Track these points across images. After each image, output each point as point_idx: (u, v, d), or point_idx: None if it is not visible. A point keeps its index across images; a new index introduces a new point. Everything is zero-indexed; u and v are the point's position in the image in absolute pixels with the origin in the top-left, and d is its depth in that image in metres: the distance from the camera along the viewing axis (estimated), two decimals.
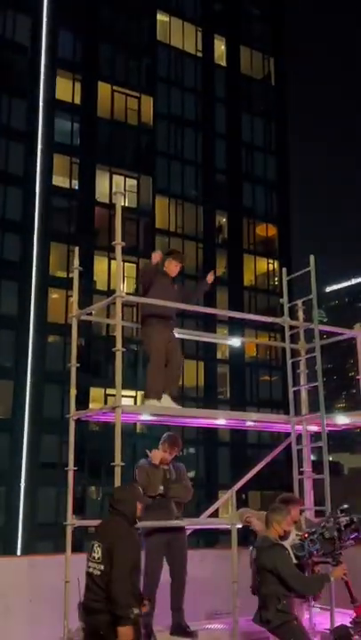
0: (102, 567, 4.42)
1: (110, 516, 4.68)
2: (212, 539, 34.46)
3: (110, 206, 39.25)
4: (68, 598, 5.90)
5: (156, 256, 6.76)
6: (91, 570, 4.49)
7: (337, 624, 5.78)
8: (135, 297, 7.15)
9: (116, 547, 4.41)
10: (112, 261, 38.98)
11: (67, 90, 42.00)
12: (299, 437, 7.49)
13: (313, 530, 5.71)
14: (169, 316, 6.94)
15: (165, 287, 6.98)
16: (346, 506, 5.81)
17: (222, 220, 48.39)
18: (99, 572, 4.42)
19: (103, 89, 43.40)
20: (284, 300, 7.75)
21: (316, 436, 7.69)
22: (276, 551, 5.46)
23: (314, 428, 7.54)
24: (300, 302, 8.03)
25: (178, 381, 7.13)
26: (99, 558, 4.46)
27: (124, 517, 4.63)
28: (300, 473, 7.44)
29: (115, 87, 43.86)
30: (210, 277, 7.37)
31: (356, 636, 5.57)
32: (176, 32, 47.35)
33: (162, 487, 6.29)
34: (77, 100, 42.43)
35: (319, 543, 5.60)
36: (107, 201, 40.26)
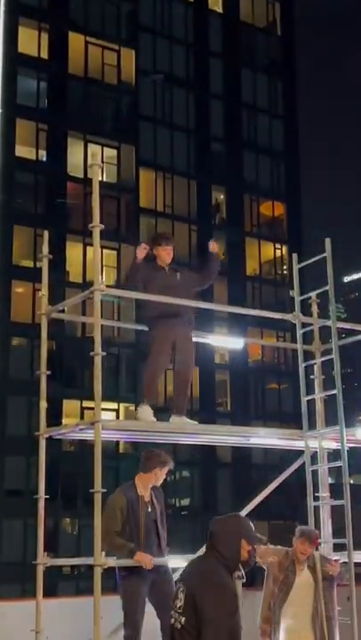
0: (183, 620, 4.04)
1: (207, 553, 4.25)
2: None
3: (85, 181, 39.19)
4: None
5: (141, 251, 6.77)
6: (173, 621, 4.12)
7: None
8: (117, 290, 7.15)
9: (205, 598, 3.99)
10: (88, 247, 38.91)
11: (31, 42, 41.86)
12: (314, 456, 7.52)
13: None
14: (175, 313, 6.98)
15: (164, 280, 7.01)
16: None
17: (220, 197, 48.42)
18: (179, 626, 4.04)
19: (75, 40, 43.30)
20: (295, 292, 7.78)
21: (334, 455, 7.72)
22: None
23: (332, 445, 7.56)
24: (313, 295, 8.06)
25: (183, 391, 7.21)
26: (180, 607, 4.07)
27: (221, 560, 4.15)
28: (316, 499, 7.46)
29: (89, 38, 43.77)
30: (213, 246, 7.37)
31: None
32: None
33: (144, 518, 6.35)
34: (44, 55, 42.32)
35: None
36: (81, 175, 40.19)
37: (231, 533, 4.21)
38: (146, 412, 6.91)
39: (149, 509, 6.43)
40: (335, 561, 6.39)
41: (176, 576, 6.37)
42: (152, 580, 6.30)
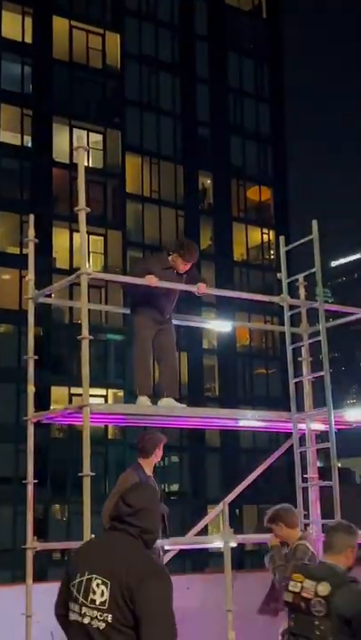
0: (110, 617, 3.26)
1: (115, 534, 3.47)
2: (200, 562, 34.77)
3: (71, 167, 38.95)
4: (29, 636, 5.92)
5: (152, 280, 6.68)
6: (85, 620, 3.31)
7: None
8: (104, 274, 7.14)
9: (150, 587, 3.25)
10: (75, 234, 38.79)
11: (15, 26, 41.52)
12: (302, 438, 7.56)
13: None
14: (162, 310, 7.04)
15: (169, 278, 6.98)
16: None
17: (207, 182, 48.32)
18: (103, 625, 3.26)
19: (59, 25, 42.97)
20: (283, 275, 7.79)
21: (322, 437, 7.76)
22: (357, 592, 4.45)
23: (320, 427, 7.61)
24: (301, 277, 8.07)
25: (173, 382, 7.26)
26: (104, 603, 3.28)
27: (143, 536, 3.46)
28: (304, 480, 7.51)
29: (73, 22, 43.45)
30: (201, 288, 7.16)
31: None
32: None
33: None
34: (28, 39, 41.99)
35: None
36: (66, 160, 39.97)
37: (150, 503, 3.58)
38: (145, 402, 6.98)
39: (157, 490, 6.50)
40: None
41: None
42: None
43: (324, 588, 4.40)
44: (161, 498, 5.19)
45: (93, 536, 5.70)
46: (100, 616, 3.26)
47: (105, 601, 3.26)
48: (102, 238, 41.77)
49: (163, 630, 3.22)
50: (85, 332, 5.93)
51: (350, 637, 4.28)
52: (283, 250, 8.09)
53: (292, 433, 7.52)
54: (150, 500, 3.57)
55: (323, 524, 7.53)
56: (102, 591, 3.28)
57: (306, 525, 6.77)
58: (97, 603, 3.28)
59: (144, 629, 3.18)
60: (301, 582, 4.47)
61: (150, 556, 3.49)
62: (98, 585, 3.30)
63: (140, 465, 6.60)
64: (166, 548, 6.64)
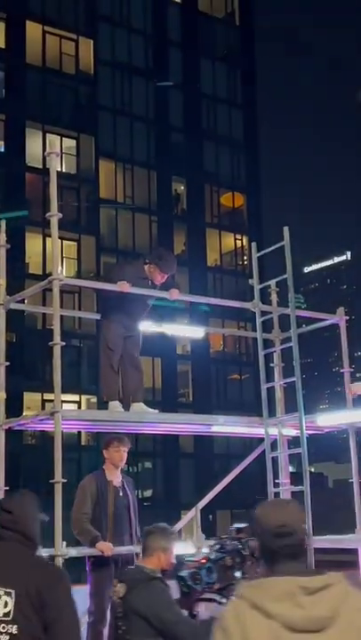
0: (14, 628, 3.14)
1: (2, 543, 3.38)
2: (174, 568, 34.67)
3: (44, 172, 38.82)
4: None
5: (124, 287, 6.64)
6: None
7: None
8: (76, 280, 7.14)
9: (57, 592, 3.20)
10: (48, 239, 38.59)
11: None
12: (274, 443, 7.59)
13: (213, 554, 5.22)
14: (133, 317, 7.02)
15: (141, 284, 6.92)
16: (243, 525, 5.46)
17: (180, 187, 48.39)
18: (7, 638, 3.15)
19: (32, 30, 42.86)
20: (255, 280, 7.83)
21: (295, 442, 7.81)
22: (155, 589, 4.53)
23: (292, 432, 7.64)
24: (273, 283, 8.12)
25: (140, 380, 7.29)
26: (7, 614, 3.15)
27: (27, 544, 3.40)
28: (276, 485, 7.53)
29: (47, 27, 43.37)
30: (174, 294, 7.15)
31: None
32: None
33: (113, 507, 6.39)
34: (1, 44, 41.86)
35: (217, 572, 5.04)
36: (39, 165, 39.81)
37: (32, 509, 3.52)
38: (116, 407, 6.95)
39: (120, 494, 6.48)
40: None
41: None
42: (120, 569, 6.33)
43: (121, 589, 4.50)
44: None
45: (65, 543, 5.69)
46: (4, 628, 3.15)
47: (9, 612, 3.15)
48: (76, 244, 41.66)
49: (74, 631, 3.21)
50: (57, 337, 5.93)
51: (153, 638, 4.35)
52: (255, 256, 8.13)
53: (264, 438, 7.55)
54: (29, 506, 3.51)
55: None
56: (5, 602, 3.16)
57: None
58: (0, 614, 3.16)
59: (58, 632, 3.13)
60: (115, 586, 4.57)
61: (45, 560, 3.56)
62: (0, 596, 3.19)
63: (103, 469, 6.58)
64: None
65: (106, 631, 5.55)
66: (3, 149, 41.18)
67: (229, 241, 49.65)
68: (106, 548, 6.14)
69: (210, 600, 5.07)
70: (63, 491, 5.72)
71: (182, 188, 48.42)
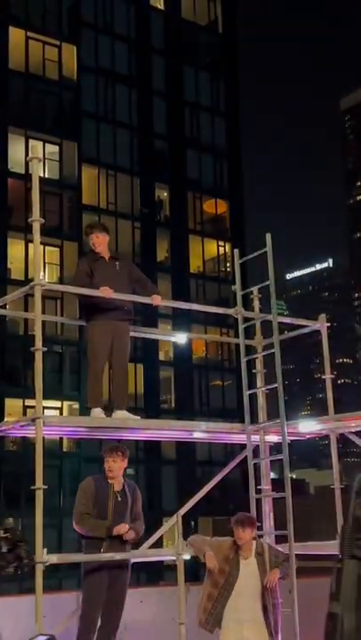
0: None
1: None
2: (154, 576, 34.58)
3: (26, 177, 38.73)
4: None
5: (107, 292, 6.68)
6: None
7: None
8: (58, 285, 7.12)
9: None
10: (30, 245, 38.51)
11: None
12: (256, 450, 7.58)
13: None
14: (114, 307, 6.95)
15: (105, 270, 7.03)
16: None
17: (163, 194, 48.42)
18: None
19: (15, 35, 42.78)
20: (237, 287, 7.83)
21: (277, 448, 7.80)
22: None
23: (273, 439, 7.64)
24: (255, 290, 8.12)
25: (124, 386, 7.25)
26: None
27: None
28: (258, 492, 7.53)
29: (30, 33, 43.29)
30: (156, 300, 7.20)
31: None
32: None
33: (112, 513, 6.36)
34: None
35: None
36: (22, 171, 39.74)
37: None
38: (98, 413, 6.94)
39: (119, 498, 6.45)
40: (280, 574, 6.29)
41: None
42: (113, 576, 6.32)
43: None
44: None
45: (45, 549, 5.65)
46: None
47: None
48: (58, 249, 41.55)
49: None
50: (39, 343, 5.90)
51: None
52: (237, 262, 8.13)
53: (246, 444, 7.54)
54: None
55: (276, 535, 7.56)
56: None
57: (260, 537, 6.78)
58: None
59: None
60: None
61: None
62: None
63: (104, 474, 6.59)
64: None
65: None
66: None
67: (212, 247, 49.72)
68: (123, 529, 6.26)
69: None
70: (44, 497, 5.69)
71: (165, 194, 48.46)
